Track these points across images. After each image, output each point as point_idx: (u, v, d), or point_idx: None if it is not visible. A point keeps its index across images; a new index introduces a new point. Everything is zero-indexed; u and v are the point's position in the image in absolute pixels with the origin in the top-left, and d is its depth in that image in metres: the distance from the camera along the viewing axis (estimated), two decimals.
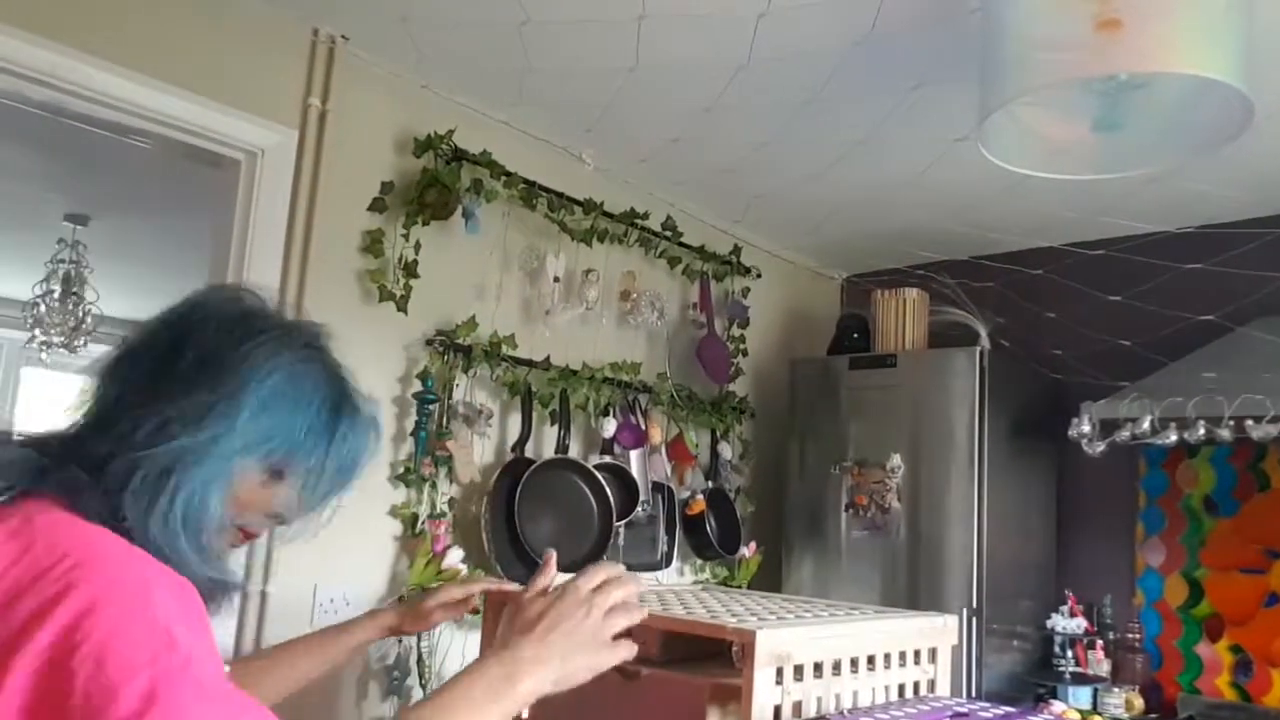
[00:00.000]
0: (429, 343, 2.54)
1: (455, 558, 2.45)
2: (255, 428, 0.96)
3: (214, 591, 0.96)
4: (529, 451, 2.73)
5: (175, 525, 0.91)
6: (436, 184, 2.48)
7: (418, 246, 2.49)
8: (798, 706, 1.28)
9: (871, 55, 2.22)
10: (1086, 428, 2.82)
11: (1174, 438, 2.67)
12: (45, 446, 0.94)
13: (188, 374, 0.94)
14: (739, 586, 3.25)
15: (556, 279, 2.82)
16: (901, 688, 1.48)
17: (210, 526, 0.94)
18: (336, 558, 2.30)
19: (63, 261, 4.11)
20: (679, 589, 2.08)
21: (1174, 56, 1.58)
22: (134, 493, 0.89)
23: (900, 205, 3.23)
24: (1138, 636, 3.11)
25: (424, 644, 2.41)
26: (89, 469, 0.90)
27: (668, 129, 2.76)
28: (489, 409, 2.64)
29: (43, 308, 4.14)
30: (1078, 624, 3.10)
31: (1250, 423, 2.52)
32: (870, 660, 1.42)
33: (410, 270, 2.47)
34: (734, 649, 1.32)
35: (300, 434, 1.00)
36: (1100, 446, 2.80)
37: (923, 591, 3.05)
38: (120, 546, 0.85)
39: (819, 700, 1.31)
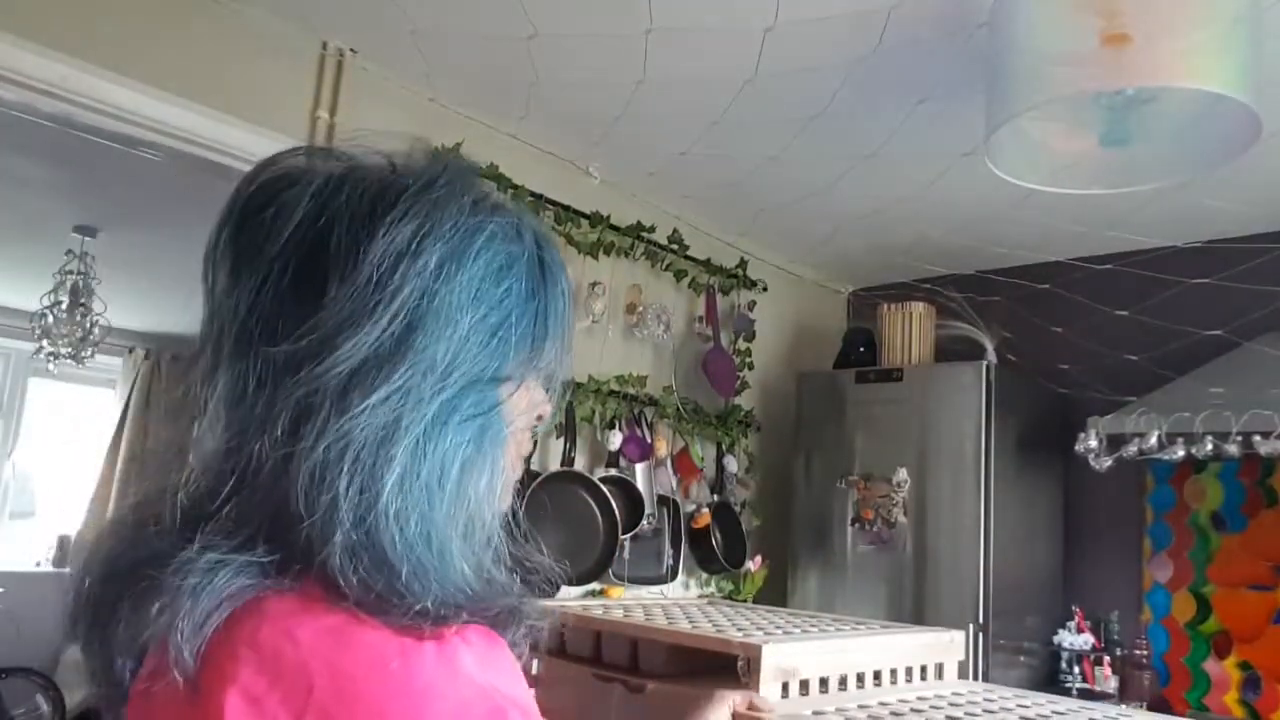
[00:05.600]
0: None
1: None
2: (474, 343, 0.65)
3: (509, 623, 0.66)
4: (534, 464, 2.73)
5: (432, 521, 0.61)
6: None
7: None
8: None
9: (879, 69, 2.23)
10: (1093, 443, 2.81)
11: (1181, 453, 2.66)
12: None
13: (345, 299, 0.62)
14: (744, 600, 3.23)
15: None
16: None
17: (492, 505, 0.66)
18: None
19: (71, 273, 4.12)
20: (684, 603, 2.08)
21: (1181, 71, 1.58)
22: (335, 500, 0.58)
23: (907, 219, 3.23)
24: (1145, 653, 3.09)
25: None
26: (244, 534, 0.60)
27: (674, 142, 2.77)
28: None
29: (50, 318, 4.15)
30: (1085, 640, 3.09)
31: (1258, 438, 2.51)
32: (876, 675, 1.42)
33: None
34: (740, 663, 1.32)
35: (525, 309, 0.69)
36: (1107, 462, 2.79)
37: (929, 607, 3.04)
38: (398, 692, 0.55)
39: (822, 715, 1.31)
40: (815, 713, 1.24)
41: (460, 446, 0.63)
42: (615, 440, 2.91)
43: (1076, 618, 3.14)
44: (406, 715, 0.53)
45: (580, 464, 2.88)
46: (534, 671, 1.77)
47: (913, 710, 1.27)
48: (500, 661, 0.62)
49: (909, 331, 3.37)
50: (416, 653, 0.56)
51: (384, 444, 0.60)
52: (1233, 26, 1.58)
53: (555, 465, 2.79)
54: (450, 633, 0.58)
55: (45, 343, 4.20)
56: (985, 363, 3.10)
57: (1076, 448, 2.84)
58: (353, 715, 0.53)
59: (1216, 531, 3.12)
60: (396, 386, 0.60)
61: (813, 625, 1.53)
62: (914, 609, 3.06)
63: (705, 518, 3.16)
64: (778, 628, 1.45)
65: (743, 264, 3.50)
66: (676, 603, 2.04)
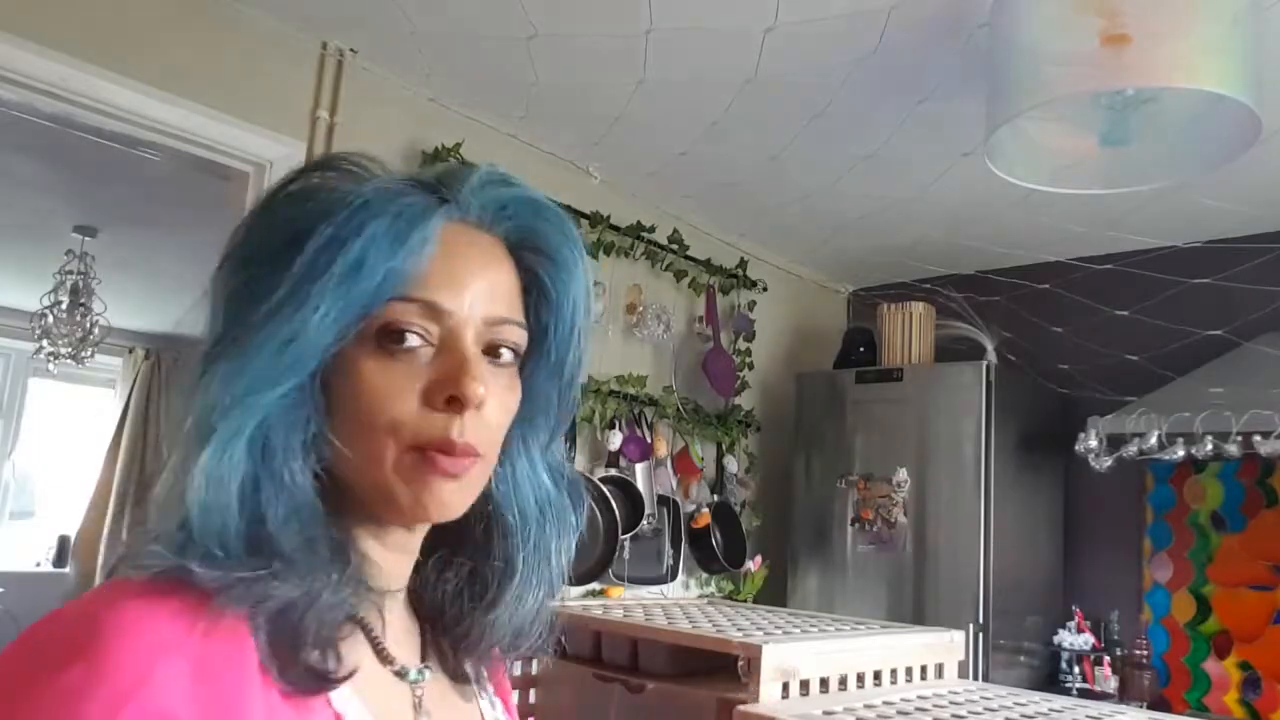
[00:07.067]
0: None
1: None
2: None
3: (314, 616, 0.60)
4: None
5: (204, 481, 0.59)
6: None
7: None
8: None
9: (879, 70, 2.23)
10: (1093, 443, 2.81)
11: (1181, 453, 2.66)
12: None
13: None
14: (744, 600, 3.23)
15: None
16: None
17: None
18: None
19: (71, 273, 4.12)
20: (685, 603, 2.08)
21: (1181, 71, 1.58)
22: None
23: (907, 219, 3.23)
24: (1145, 653, 3.09)
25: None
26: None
27: (675, 142, 2.77)
28: None
29: (50, 319, 4.15)
30: (1085, 640, 3.09)
31: (1258, 438, 2.51)
32: (877, 675, 1.42)
33: None
34: (740, 663, 1.32)
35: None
36: (1107, 462, 2.79)
37: (929, 607, 3.04)
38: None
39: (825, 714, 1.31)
40: (826, 713, 1.24)
41: (213, 426, 0.61)
42: (615, 440, 2.91)
43: (1076, 618, 3.14)
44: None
45: (580, 464, 2.88)
46: (534, 671, 1.77)
47: (918, 710, 1.27)
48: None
49: (909, 331, 3.37)
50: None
51: (184, 443, 0.61)
52: (1233, 26, 1.58)
53: None
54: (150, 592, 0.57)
55: (45, 343, 4.20)
56: (985, 363, 3.10)
57: (1076, 448, 2.84)
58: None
59: (1216, 531, 3.12)
60: (190, 390, 0.63)
61: (813, 625, 1.53)
62: (914, 609, 3.06)
63: (705, 518, 3.16)
64: (778, 628, 1.45)
65: (743, 264, 3.50)
66: (676, 603, 2.04)
